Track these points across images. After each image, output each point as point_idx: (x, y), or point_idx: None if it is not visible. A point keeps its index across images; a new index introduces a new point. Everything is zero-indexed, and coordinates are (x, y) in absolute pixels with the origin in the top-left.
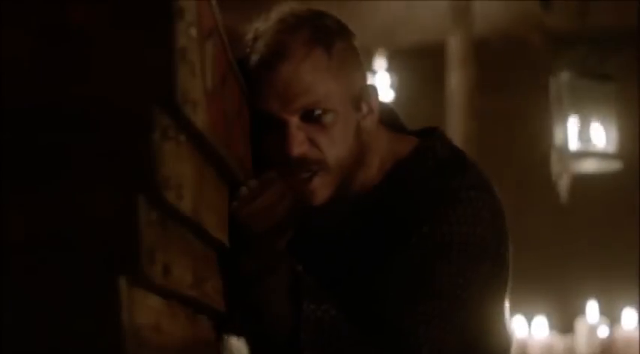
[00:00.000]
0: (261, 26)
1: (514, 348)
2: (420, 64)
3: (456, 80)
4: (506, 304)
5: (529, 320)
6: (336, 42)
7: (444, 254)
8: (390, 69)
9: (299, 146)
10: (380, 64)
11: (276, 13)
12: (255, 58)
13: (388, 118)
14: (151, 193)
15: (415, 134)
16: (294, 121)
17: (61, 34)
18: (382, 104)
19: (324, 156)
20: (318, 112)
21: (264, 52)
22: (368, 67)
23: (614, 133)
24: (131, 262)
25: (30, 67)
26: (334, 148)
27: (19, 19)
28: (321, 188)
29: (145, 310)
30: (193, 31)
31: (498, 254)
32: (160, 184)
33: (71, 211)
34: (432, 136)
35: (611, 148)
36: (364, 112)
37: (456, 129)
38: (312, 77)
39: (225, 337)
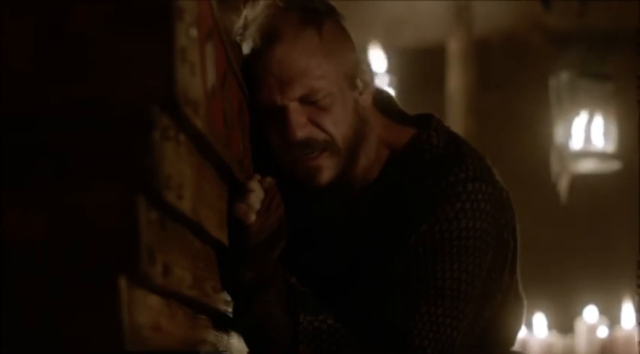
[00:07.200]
0: (250, 13)
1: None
2: (420, 63)
3: (456, 80)
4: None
5: (529, 320)
6: (325, 22)
7: (444, 251)
8: (389, 69)
9: (301, 130)
10: (380, 64)
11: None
12: (247, 45)
13: (385, 104)
14: (151, 193)
15: (411, 122)
16: (293, 105)
17: (62, 34)
18: (379, 91)
19: (330, 136)
20: (315, 97)
21: (256, 38)
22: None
23: (614, 133)
24: (131, 262)
25: (30, 68)
26: (337, 128)
27: (20, 20)
28: (328, 167)
29: (144, 310)
30: (193, 31)
31: (501, 240)
32: (160, 184)
33: (71, 211)
34: (428, 126)
35: (611, 148)
36: (360, 89)
37: (456, 128)
38: (306, 61)
39: (225, 337)
